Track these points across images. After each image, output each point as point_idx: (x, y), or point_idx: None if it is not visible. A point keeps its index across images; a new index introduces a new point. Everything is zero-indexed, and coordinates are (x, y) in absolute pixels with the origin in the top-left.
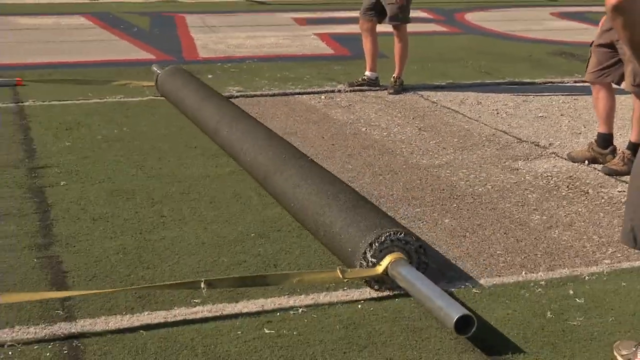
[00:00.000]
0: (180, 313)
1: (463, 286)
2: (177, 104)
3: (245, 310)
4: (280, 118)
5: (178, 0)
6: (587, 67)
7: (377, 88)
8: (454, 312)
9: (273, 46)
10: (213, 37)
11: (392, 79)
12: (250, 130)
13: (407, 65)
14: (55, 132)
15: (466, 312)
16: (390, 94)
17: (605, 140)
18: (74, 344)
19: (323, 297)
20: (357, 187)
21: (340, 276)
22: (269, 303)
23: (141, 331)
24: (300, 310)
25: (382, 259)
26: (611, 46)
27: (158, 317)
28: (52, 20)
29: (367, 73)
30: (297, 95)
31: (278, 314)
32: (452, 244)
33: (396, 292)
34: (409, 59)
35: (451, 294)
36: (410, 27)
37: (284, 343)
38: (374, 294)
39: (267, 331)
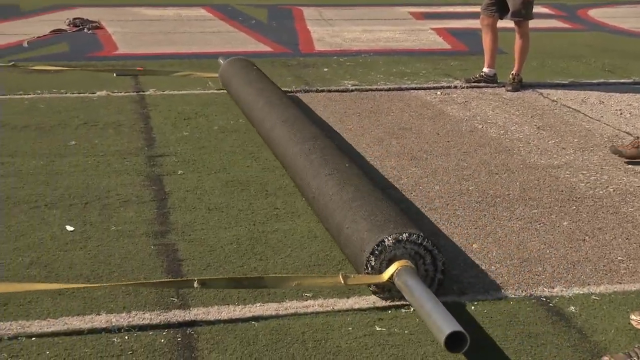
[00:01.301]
0: (291, 306)
1: (581, 292)
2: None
3: (356, 306)
4: (395, 113)
5: None
6: None
7: (495, 85)
8: (447, 328)
9: (389, 40)
10: (329, 31)
11: (510, 76)
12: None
13: (527, 62)
14: (174, 121)
15: (459, 328)
16: (508, 91)
17: None
18: (187, 332)
19: None
20: (471, 186)
21: (343, 282)
22: (381, 300)
23: (252, 322)
24: (412, 308)
25: (388, 265)
26: None
27: (270, 309)
28: (173, 12)
29: (485, 69)
30: (412, 91)
31: (389, 311)
32: (570, 247)
33: (510, 295)
34: (529, 56)
35: (568, 300)
36: (530, 23)
37: (395, 341)
38: (489, 296)
39: (378, 328)
